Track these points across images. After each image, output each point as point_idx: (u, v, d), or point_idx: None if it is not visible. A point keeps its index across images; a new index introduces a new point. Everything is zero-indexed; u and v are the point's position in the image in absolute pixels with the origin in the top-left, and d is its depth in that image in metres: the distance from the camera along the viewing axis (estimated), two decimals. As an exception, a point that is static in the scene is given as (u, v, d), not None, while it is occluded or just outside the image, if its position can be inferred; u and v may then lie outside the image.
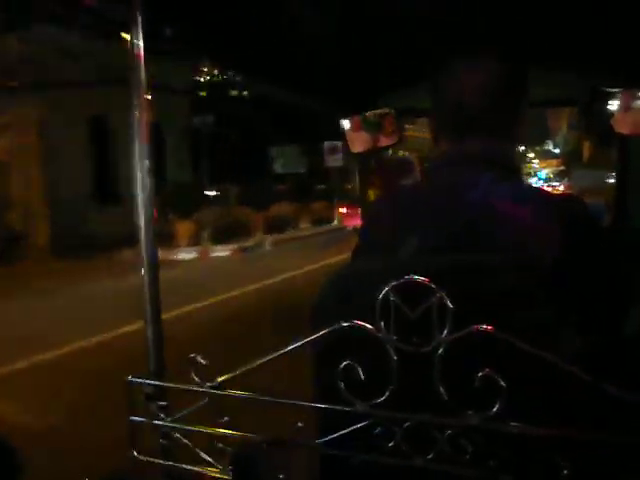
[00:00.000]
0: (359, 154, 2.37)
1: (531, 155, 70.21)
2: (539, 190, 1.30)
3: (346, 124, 2.28)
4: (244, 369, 1.09)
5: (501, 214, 1.17)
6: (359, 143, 2.30)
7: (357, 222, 18.94)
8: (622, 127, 1.86)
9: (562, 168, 56.24)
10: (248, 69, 1.88)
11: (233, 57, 1.73)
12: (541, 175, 70.19)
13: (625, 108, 1.82)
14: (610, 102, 1.85)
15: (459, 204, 1.20)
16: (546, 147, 71.71)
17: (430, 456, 0.98)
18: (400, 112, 2.22)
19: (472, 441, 0.96)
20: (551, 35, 1.62)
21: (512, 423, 0.92)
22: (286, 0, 1.42)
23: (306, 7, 1.44)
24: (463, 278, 1.05)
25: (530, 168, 67.31)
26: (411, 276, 0.98)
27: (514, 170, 1.30)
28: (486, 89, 1.26)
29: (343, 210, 20.84)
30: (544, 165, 64.64)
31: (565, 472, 0.90)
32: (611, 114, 1.84)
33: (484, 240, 1.16)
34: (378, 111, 2.24)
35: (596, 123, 2.00)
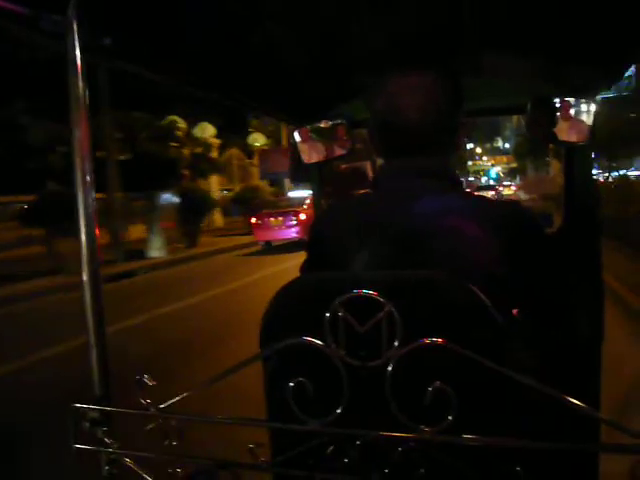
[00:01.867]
0: (312, 165, 2.41)
1: (478, 150, 69.77)
2: (482, 200, 1.34)
3: (297, 135, 2.32)
4: (192, 391, 1.08)
5: (446, 226, 1.21)
6: (313, 154, 2.35)
7: (272, 236, 16.40)
8: (566, 135, 1.96)
9: (514, 165, 56.52)
10: (196, 80, 1.90)
11: (178, 68, 1.75)
12: (492, 174, 69.80)
13: (568, 117, 1.93)
14: (554, 111, 1.96)
15: (404, 217, 1.24)
16: (495, 144, 71.78)
17: (386, 471, 0.99)
18: (352, 123, 2.28)
19: (427, 455, 0.98)
20: (497, 46, 1.68)
21: (465, 435, 0.94)
22: (234, 15, 1.45)
23: (253, 21, 1.48)
24: (412, 291, 1.07)
25: (477, 165, 66.59)
26: (359, 290, 1.00)
27: (455, 181, 1.35)
28: (424, 103, 1.30)
29: (254, 221, 17.20)
30: (494, 162, 64.24)
31: None
32: (555, 123, 1.95)
33: (430, 252, 1.20)
34: (331, 121, 2.29)
35: (540, 132, 2.10)
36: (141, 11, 1.33)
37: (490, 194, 30.24)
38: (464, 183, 1.47)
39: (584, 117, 1.92)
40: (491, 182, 60.91)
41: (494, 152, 67.33)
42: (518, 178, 55.56)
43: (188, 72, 1.69)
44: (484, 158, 65.60)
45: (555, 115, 1.95)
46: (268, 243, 17.22)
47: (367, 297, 0.99)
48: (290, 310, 1.19)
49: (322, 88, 2.01)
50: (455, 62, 1.44)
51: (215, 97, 2.01)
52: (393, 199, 1.28)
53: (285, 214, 16.49)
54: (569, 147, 2.11)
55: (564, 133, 1.96)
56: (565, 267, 1.37)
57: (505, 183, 54.40)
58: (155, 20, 1.37)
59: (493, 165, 64.59)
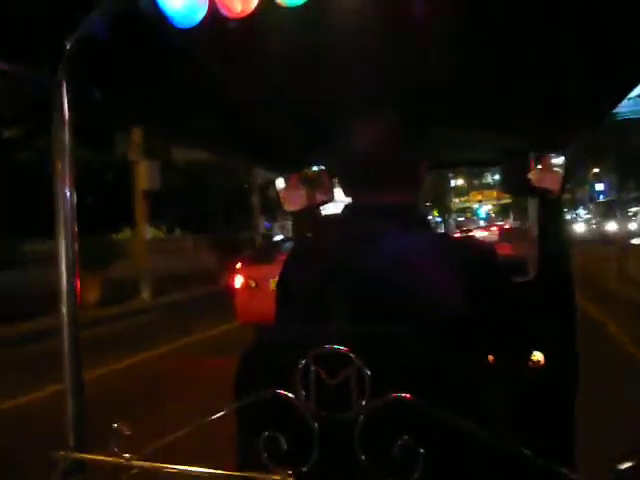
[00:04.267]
0: (294, 212, 2.49)
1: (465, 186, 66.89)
2: (448, 239, 1.39)
3: (280, 182, 2.41)
4: (167, 439, 1.13)
5: (411, 266, 1.25)
6: (295, 201, 2.42)
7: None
8: (540, 186, 2.13)
9: (506, 201, 54.35)
10: (185, 134, 1.96)
11: (160, 124, 1.81)
12: (481, 214, 67.41)
13: (542, 169, 2.10)
14: (528, 163, 2.13)
15: (368, 257, 1.27)
16: (484, 180, 70.20)
17: None
18: (333, 172, 2.37)
19: None
20: (468, 101, 1.81)
21: None
22: (210, 66, 1.52)
23: (231, 72, 1.57)
24: (380, 345, 1.13)
25: (462, 203, 64.38)
26: (330, 345, 1.07)
27: (422, 220, 1.40)
28: (388, 143, 1.36)
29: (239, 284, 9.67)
30: (482, 198, 61.62)
31: None
32: (529, 174, 2.12)
33: (394, 293, 1.23)
34: (314, 168, 2.38)
35: (515, 183, 2.26)
36: (127, 69, 1.43)
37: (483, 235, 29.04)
38: (452, 224, 1.52)
39: (556, 169, 2.09)
40: (481, 223, 58.66)
41: (483, 188, 64.90)
42: (512, 217, 54.16)
43: (174, 124, 1.78)
44: (473, 197, 63.17)
45: (528, 167, 2.12)
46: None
47: (339, 352, 1.06)
48: (262, 363, 1.24)
49: (304, 138, 2.11)
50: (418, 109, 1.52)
51: (198, 148, 2.12)
52: (355, 241, 1.32)
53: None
54: (542, 198, 2.28)
55: (538, 183, 2.12)
56: (528, 311, 1.43)
57: (498, 223, 51.23)
58: (141, 77, 1.46)
59: (480, 202, 61.91)
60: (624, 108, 27.44)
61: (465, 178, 63.43)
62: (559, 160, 2.08)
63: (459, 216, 67.03)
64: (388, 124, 1.39)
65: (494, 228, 33.53)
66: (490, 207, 67.90)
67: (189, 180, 21.64)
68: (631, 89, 1.58)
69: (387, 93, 1.51)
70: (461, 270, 1.25)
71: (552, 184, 2.12)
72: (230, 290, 10.02)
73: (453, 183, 59.76)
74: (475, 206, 65.75)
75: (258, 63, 1.49)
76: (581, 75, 1.51)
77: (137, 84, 1.50)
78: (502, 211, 64.61)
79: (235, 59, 1.48)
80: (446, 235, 1.41)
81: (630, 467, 0.86)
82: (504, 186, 2.37)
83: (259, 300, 8.69)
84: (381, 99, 1.45)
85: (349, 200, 1.44)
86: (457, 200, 62.51)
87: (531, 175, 2.13)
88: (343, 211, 1.43)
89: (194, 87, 1.57)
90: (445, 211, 56.65)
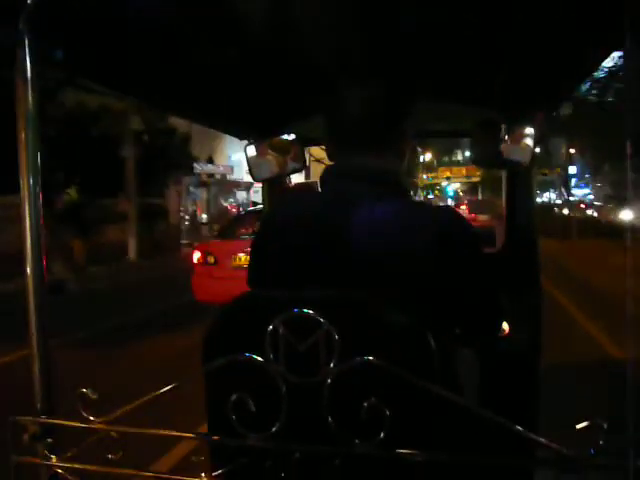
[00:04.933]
0: (265, 180, 2.48)
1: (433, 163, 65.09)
2: (425, 208, 1.42)
3: (250, 150, 2.43)
4: (135, 403, 1.14)
5: (386, 233, 1.28)
6: (265, 169, 2.43)
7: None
8: (509, 157, 2.16)
9: (476, 179, 53.70)
10: (148, 95, 1.93)
11: (132, 84, 1.78)
12: (449, 192, 66.00)
13: (512, 140, 2.13)
14: (498, 134, 2.15)
15: (344, 221, 1.30)
16: (455, 158, 69.36)
17: None
18: (304, 140, 2.37)
19: (362, 469, 1.07)
20: (445, 71, 1.82)
21: (400, 450, 1.02)
22: (186, 29, 1.51)
23: (206, 37, 1.55)
24: (350, 309, 1.16)
25: (434, 178, 61.87)
26: (299, 309, 1.09)
27: (400, 187, 1.42)
28: (372, 109, 1.39)
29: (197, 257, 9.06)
30: (450, 174, 59.52)
31: None
32: (499, 145, 2.15)
33: (368, 258, 1.27)
34: (285, 137, 2.37)
35: (485, 154, 2.29)
36: (92, 24, 1.40)
37: None
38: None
39: (526, 140, 2.13)
40: (449, 202, 57.08)
41: (452, 165, 64.07)
42: (480, 197, 52.03)
43: (137, 85, 1.76)
44: (442, 173, 60.96)
45: (499, 138, 2.15)
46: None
47: (307, 316, 1.08)
48: (232, 327, 1.26)
49: (276, 104, 2.10)
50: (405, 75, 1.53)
51: (165, 111, 2.10)
52: (335, 203, 1.35)
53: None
54: (511, 169, 2.32)
55: (508, 155, 2.16)
56: (497, 281, 1.44)
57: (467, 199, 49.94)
58: (105, 33, 1.43)
59: (449, 179, 59.95)
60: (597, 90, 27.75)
61: (434, 153, 62.75)
62: (529, 131, 2.11)
63: (427, 193, 65.32)
64: (379, 91, 1.41)
65: (463, 207, 33.31)
66: (458, 185, 67.25)
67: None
68: (601, 61, 1.61)
69: (376, 60, 1.52)
70: (436, 238, 1.28)
71: (522, 156, 2.16)
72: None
73: (422, 159, 58.94)
74: (444, 184, 64.59)
75: (228, 24, 1.48)
76: (550, 44, 1.53)
77: (102, 42, 1.48)
78: (471, 190, 64.14)
79: (204, 18, 1.46)
80: (423, 203, 1.43)
81: (585, 427, 0.92)
82: (475, 158, 2.41)
83: (216, 279, 8.32)
84: (374, 65, 1.51)
85: (332, 162, 1.46)
86: (425, 176, 60.97)
87: (502, 147, 2.16)
88: (324, 174, 1.45)
89: (161, 47, 1.56)
90: (412, 187, 55.40)
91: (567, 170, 35.40)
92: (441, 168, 62.69)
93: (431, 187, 65.33)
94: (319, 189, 1.47)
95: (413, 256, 1.27)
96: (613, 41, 1.41)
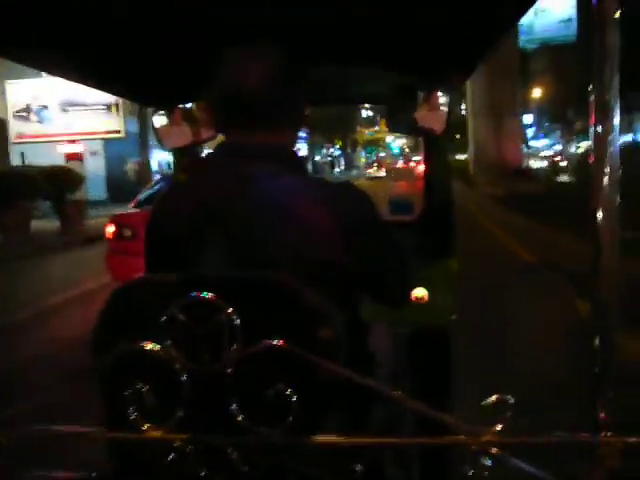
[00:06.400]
0: (176, 150, 2.42)
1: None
2: (316, 182, 1.40)
3: (157, 119, 2.33)
4: (26, 404, 1.12)
5: (282, 210, 1.27)
6: (177, 138, 2.36)
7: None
8: (425, 124, 2.16)
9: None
10: (50, 64, 1.86)
11: (32, 53, 1.70)
12: (394, 148, 64.89)
13: (430, 107, 2.13)
14: (414, 100, 2.15)
15: (239, 200, 1.28)
16: None
17: (229, 475, 1.05)
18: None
19: (269, 457, 1.05)
20: (360, 35, 1.79)
21: (308, 435, 0.99)
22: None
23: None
24: (252, 293, 1.12)
25: (376, 133, 60.37)
26: (197, 292, 1.06)
27: (295, 162, 1.40)
28: (263, 80, 1.34)
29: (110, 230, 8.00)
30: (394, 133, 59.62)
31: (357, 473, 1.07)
32: (415, 111, 2.15)
33: (265, 238, 1.26)
34: (199, 104, 2.31)
35: (400, 120, 2.30)
36: None
37: None
38: (364, 159, 1.49)
39: (442, 107, 2.13)
40: (398, 161, 56.17)
41: None
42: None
43: (32, 46, 1.67)
44: (385, 129, 59.66)
45: (415, 105, 2.14)
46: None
47: (207, 300, 1.05)
48: (125, 315, 1.19)
49: (178, 69, 2.04)
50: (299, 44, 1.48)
51: (59, 76, 1.99)
52: (227, 183, 1.32)
53: None
54: (426, 137, 2.32)
55: (423, 122, 2.16)
56: (406, 251, 1.45)
57: (415, 159, 49.14)
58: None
59: (393, 137, 59.45)
60: (555, 32, 28.00)
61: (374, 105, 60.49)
62: (444, 99, 2.11)
63: (369, 151, 64.62)
64: (269, 60, 1.36)
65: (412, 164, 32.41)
66: (405, 141, 65.95)
67: None
68: (516, 21, 1.60)
69: (268, 27, 1.47)
70: (335, 214, 1.28)
71: (436, 124, 2.16)
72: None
73: (363, 113, 58.05)
74: (388, 139, 63.84)
75: None
76: (464, 8, 1.51)
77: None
78: (418, 145, 63.18)
79: None
80: (320, 180, 1.41)
81: (492, 402, 0.92)
82: (390, 124, 2.40)
83: (133, 254, 6.69)
84: (262, 33, 1.40)
85: (224, 138, 1.41)
86: (365, 131, 59.65)
87: (415, 114, 2.16)
88: (215, 151, 1.41)
89: (58, 10, 1.48)
90: (350, 144, 54.85)
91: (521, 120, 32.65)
92: (383, 121, 60.47)
93: (373, 143, 64.41)
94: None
95: (313, 233, 1.26)
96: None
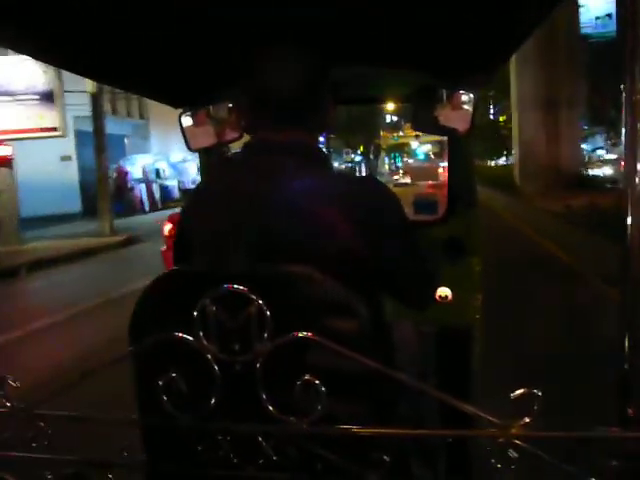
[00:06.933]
0: (201, 150, 2.46)
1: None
2: (339, 177, 1.45)
3: (186, 120, 2.39)
4: (58, 388, 1.12)
5: (309, 207, 1.30)
6: (202, 139, 2.40)
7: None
8: (449, 124, 2.18)
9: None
10: (74, 65, 1.89)
11: (58, 54, 1.73)
12: (419, 154, 62.99)
13: (452, 106, 2.15)
14: (438, 100, 2.17)
15: (269, 194, 1.32)
16: None
17: (260, 463, 1.08)
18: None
19: (298, 446, 1.08)
20: (382, 36, 1.81)
21: (337, 426, 1.04)
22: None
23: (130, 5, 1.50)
24: (281, 286, 1.16)
25: (400, 138, 58.79)
26: (229, 284, 1.09)
27: (321, 158, 1.44)
28: (296, 80, 1.39)
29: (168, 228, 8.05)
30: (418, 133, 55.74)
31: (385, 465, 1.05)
32: (439, 112, 2.16)
33: (292, 233, 1.30)
34: (223, 105, 2.35)
35: (424, 120, 2.31)
36: None
37: None
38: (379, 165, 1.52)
39: (466, 107, 2.15)
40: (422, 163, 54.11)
41: None
42: None
43: (61, 51, 1.71)
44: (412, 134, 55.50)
45: (439, 104, 2.17)
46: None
47: (238, 292, 1.08)
48: (160, 305, 1.25)
49: (207, 72, 2.07)
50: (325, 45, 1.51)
51: (93, 79, 2.03)
52: (257, 179, 1.36)
53: None
54: (452, 136, 2.34)
55: (447, 122, 2.18)
56: (431, 250, 1.48)
57: (442, 164, 46.88)
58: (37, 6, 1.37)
59: (417, 137, 54.31)
60: (593, 29, 26.25)
61: (399, 108, 59.30)
62: (468, 98, 2.13)
63: (393, 157, 62.71)
64: (300, 60, 1.41)
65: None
66: (430, 147, 63.46)
67: None
68: (542, 21, 1.62)
69: (295, 28, 1.51)
70: (359, 209, 1.32)
71: (460, 123, 2.18)
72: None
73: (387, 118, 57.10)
74: (413, 144, 61.71)
75: None
76: (489, 9, 1.54)
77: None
78: (442, 152, 61.71)
79: None
80: (346, 174, 1.46)
81: (520, 394, 0.94)
82: (414, 124, 2.42)
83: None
84: (289, 34, 1.45)
85: (249, 138, 1.46)
86: (389, 136, 58.35)
87: (439, 113, 2.18)
88: (244, 149, 1.45)
89: (85, 11, 1.52)
90: (374, 148, 53.33)
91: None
92: (408, 125, 58.84)
93: (397, 148, 62.99)
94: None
95: (339, 228, 1.29)
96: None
